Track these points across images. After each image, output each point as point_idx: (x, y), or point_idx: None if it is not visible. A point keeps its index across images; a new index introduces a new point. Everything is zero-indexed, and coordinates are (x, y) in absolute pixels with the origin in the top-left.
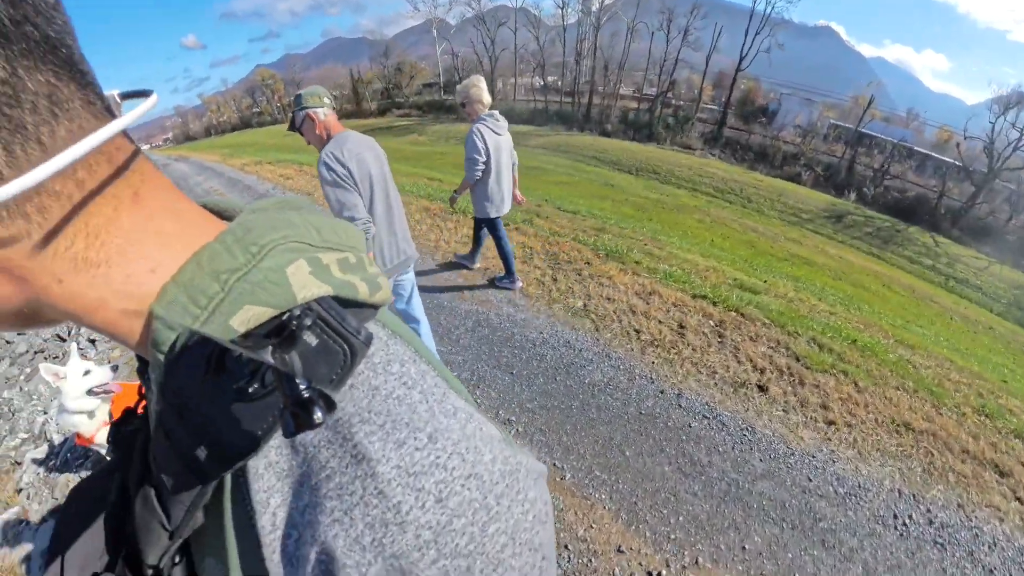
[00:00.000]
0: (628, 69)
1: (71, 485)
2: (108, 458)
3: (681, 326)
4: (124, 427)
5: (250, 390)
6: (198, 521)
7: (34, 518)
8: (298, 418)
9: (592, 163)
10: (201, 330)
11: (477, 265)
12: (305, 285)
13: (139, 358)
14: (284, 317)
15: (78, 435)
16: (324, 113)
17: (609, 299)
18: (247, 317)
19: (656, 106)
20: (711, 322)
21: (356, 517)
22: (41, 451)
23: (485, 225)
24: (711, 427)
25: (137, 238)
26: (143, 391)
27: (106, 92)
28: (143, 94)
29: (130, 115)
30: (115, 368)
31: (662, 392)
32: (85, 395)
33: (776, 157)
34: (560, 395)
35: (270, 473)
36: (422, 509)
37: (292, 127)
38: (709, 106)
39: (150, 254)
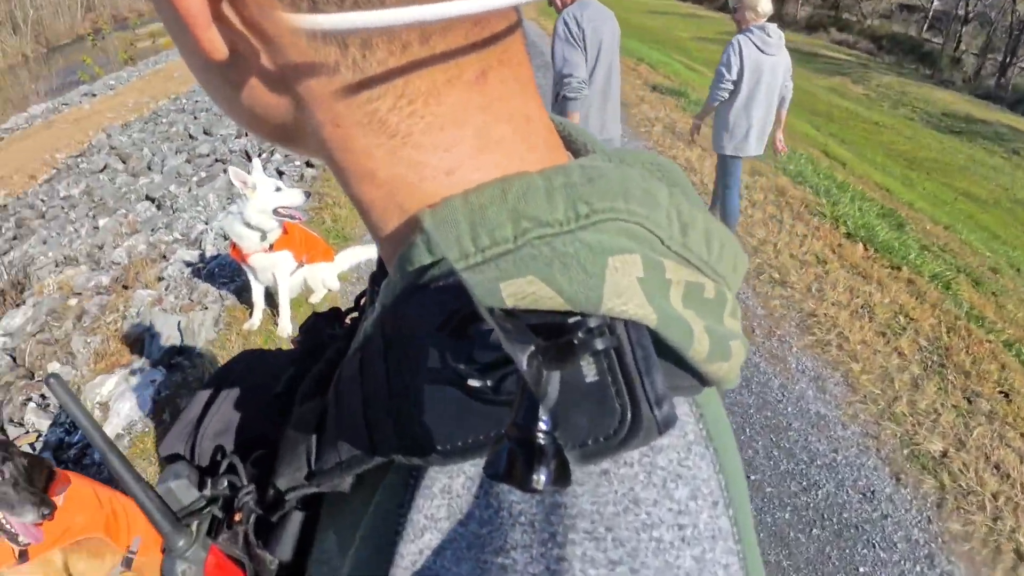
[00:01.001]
0: None
1: (209, 294)
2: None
3: None
4: (324, 326)
5: (472, 382)
6: (344, 486)
7: (167, 308)
8: (513, 463)
9: None
10: (464, 275)
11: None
12: (622, 293)
13: (379, 263)
14: (570, 320)
15: (234, 247)
16: None
17: (1000, 471)
18: (524, 291)
19: None
20: None
21: None
22: (192, 255)
23: (719, 165)
24: None
25: (454, 125)
26: (362, 301)
27: None
28: None
29: None
30: (307, 195)
31: None
32: (271, 212)
33: None
34: (800, 556)
35: (443, 501)
36: None
37: None
38: None
39: (458, 151)
